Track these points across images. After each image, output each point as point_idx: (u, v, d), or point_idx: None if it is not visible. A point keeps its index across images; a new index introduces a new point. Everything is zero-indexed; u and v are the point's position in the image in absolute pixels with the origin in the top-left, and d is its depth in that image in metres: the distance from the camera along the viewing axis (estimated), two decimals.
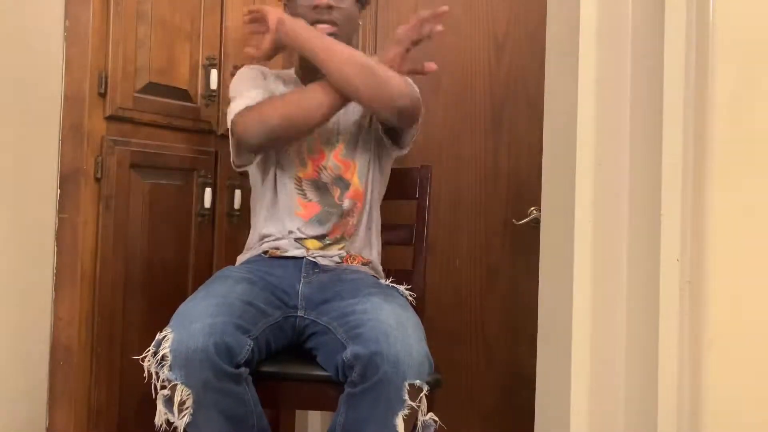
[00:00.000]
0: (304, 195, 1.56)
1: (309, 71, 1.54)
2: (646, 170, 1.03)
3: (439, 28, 1.44)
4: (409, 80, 1.50)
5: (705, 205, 0.97)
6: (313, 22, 1.49)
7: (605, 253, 1.06)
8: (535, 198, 1.60)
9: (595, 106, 1.07)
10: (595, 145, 1.07)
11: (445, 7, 1.44)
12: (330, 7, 1.50)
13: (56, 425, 1.40)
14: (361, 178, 1.60)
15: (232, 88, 1.55)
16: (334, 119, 1.53)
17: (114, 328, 1.47)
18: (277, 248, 1.54)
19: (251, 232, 1.62)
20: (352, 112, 1.59)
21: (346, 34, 1.55)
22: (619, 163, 1.06)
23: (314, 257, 1.52)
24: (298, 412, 2.00)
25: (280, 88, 1.57)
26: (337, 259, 1.55)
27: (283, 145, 1.51)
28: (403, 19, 1.92)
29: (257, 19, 1.49)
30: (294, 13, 1.53)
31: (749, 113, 0.97)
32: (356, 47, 1.62)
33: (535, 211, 1.94)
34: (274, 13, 1.46)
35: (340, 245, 1.56)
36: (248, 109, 1.44)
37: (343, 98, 1.43)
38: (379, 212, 1.66)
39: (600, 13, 1.07)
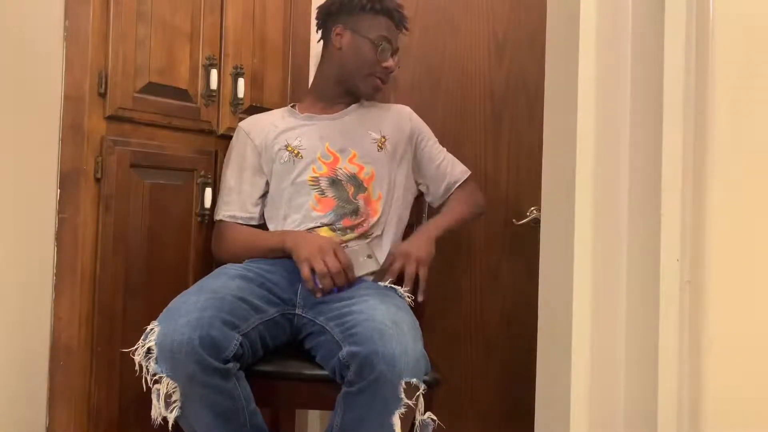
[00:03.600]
0: (321, 191, 1.62)
1: (322, 95, 1.74)
2: (646, 170, 1.03)
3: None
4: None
5: (705, 205, 0.97)
6: (369, 74, 1.69)
7: (605, 253, 1.06)
8: (535, 198, 1.60)
9: (595, 106, 1.07)
10: (595, 144, 1.07)
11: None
12: (392, 72, 1.73)
13: (56, 425, 1.40)
14: (377, 187, 1.65)
15: (225, 160, 1.71)
16: (346, 141, 1.67)
17: (114, 327, 1.47)
18: None
19: None
20: (361, 135, 1.69)
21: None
22: (619, 163, 1.06)
23: None
24: (297, 411, 2.00)
25: (277, 129, 1.70)
26: None
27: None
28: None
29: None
30: (356, 43, 1.69)
31: (749, 113, 0.97)
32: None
33: (535, 211, 1.94)
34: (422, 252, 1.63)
35: (351, 238, 1.58)
36: (219, 226, 1.67)
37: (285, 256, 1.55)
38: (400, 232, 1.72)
39: (600, 13, 1.07)
